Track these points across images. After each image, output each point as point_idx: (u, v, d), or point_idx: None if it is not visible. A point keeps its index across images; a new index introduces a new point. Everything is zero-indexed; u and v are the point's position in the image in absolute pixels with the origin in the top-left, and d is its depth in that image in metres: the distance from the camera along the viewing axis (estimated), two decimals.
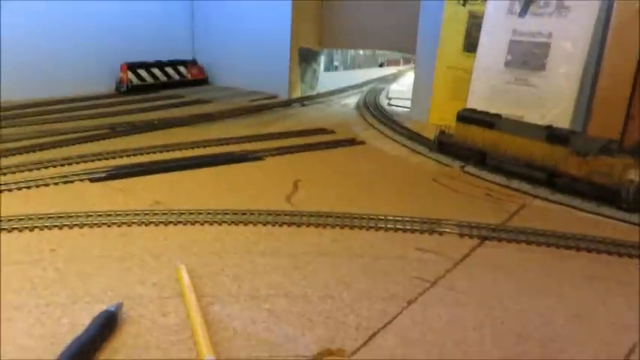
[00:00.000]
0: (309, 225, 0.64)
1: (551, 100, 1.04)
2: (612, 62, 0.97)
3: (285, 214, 0.66)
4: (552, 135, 0.79)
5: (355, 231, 0.64)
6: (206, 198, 0.72)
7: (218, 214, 0.65)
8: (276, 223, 0.64)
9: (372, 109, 1.42)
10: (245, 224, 0.63)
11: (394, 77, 2.26)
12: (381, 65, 2.67)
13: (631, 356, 0.41)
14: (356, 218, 0.66)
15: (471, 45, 1.17)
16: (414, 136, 1.11)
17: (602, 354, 0.41)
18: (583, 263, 0.58)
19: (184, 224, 0.62)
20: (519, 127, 0.84)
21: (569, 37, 1.00)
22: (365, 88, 1.86)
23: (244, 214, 0.65)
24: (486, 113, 0.91)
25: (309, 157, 0.96)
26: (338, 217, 0.66)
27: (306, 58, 1.59)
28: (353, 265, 0.55)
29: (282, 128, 1.16)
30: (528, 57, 1.06)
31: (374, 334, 0.43)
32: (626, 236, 0.64)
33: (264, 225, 0.63)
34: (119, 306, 0.43)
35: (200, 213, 0.64)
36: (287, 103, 1.48)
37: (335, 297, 0.48)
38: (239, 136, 1.05)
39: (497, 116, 0.89)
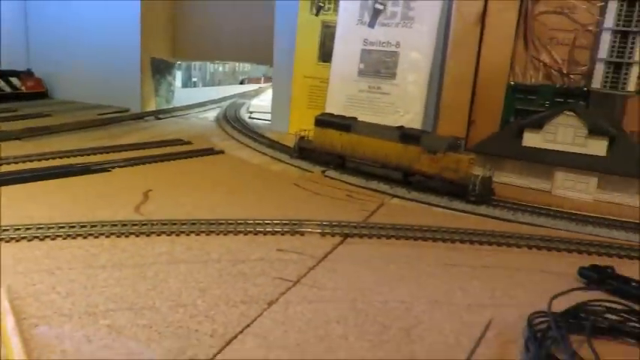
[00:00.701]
0: (160, 234, 0.58)
1: (403, 106, 1.09)
2: (453, 70, 1.04)
3: (133, 224, 0.59)
4: (405, 135, 0.82)
5: (212, 237, 0.59)
6: (35, 213, 0.63)
7: (51, 228, 0.56)
8: (122, 233, 0.57)
9: (232, 122, 1.38)
10: (84, 237, 0.56)
11: (255, 93, 2.25)
12: (242, 82, 2.64)
13: (487, 332, 0.42)
14: (213, 224, 0.61)
15: (325, 54, 1.19)
16: (275, 145, 1.09)
17: (461, 334, 0.41)
18: (439, 253, 0.59)
19: (7, 241, 0.53)
20: (374, 129, 0.86)
21: (415, 46, 1.06)
22: (225, 103, 1.82)
23: (83, 226, 0.57)
24: (342, 117, 0.92)
25: (162, 167, 0.90)
26: (193, 223, 0.61)
27: (159, 69, 1.51)
28: (209, 271, 0.50)
29: (133, 140, 1.08)
30: (380, 66, 1.10)
31: (231, 340, 0.39)
32: (475, 226, 0.67)
33: (108, 237, 0.56)
34: None
35: (28, 228, 0.55)
36: (140, 117, 1.38)
37: (188, 305, 0.43)
38: (83, 149, 0.95)
39: (353, 119, 0.90)
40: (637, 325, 0.42)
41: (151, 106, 1.50)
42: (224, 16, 1.49)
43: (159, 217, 0.63)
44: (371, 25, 1.10)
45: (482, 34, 1.00)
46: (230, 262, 0.53)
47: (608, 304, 0.43)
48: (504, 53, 1.00)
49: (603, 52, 0.88)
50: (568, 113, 0.83)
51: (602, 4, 0.91)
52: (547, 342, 0.38)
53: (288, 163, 0.97)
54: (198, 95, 1.87)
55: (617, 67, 0.88)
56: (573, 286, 0.49)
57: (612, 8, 0.87)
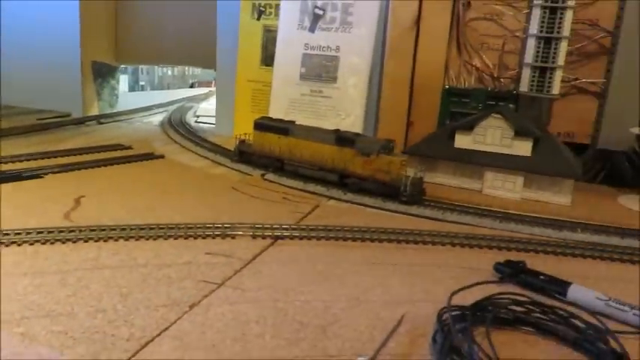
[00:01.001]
0: (87, 240, 0.58)
1: (344, 109, 1.10)
2: (391, 73, 1.07)
3: (60, 231, 0.58)
4: (340, 138, 0.84)
5: (141, 242, 0.59)
6: None
7: None
8: (47, 240, 0.56)
9: (177, 126, 1.37)
10: (7, 245, 0.55)
11: (205, 97, 2.23)
12: (192, 86, 2.62)
13: (400, 327, 0.43)
14: (143, 229, 0.61)
15: (268, 58, 1.19)
16: (217, 149, 1.09)
17: (375, 329, 0.43)
18: (366, 252, 0.61)
19: None
20: (311, 132, 0.87)
21: (355, 50, 1.08)
22: (172, 107, 1.80)
23: (7, 234, 0.56)
24: (281, 120, 0.93)
25: (98, 173, 0.89)
26: (122, 229, 0.60)
27: (102, 73, 1.49)
28: (133, 275, 0.50)
29: (71, 146, 1.06)
30: (321, 70, 1.12)
31: (147, 343, 0.39)
32: (405, 225, 0.69)
33: (32, 244, 0.56)
34: None
35: None
36: (81, 121, 1.36)
37: (107, 310, 0.43)
38: (17, 155, 0.93)
39: (291, 123, 0.92)
40: (540, 316, 0.45)
41: (94, 111, 1.47)
42: (167, 18, 1.48)
43: (89, 223, 0.62)
44: (311, 29, 1.12)
45: (417, 38, 1.03)
46: (156, 266, 0.53)
47: (514, 297, 0.46)
48: (439, 58, 1.03)
49: (529, 56, 0.93)
50: (495, 116, 0.87)
51: (528, 11, 0.95)
52: (452, 334, 0.40)
53: (228, 167, 0.97)
54: (145, 99, 1.84)
55: (542, 72, 0.93)
56: (488, 280, 0.52)
57: (536, 15, 0.91)
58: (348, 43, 1.09)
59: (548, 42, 0.91)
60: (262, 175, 0.91)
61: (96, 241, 0.58)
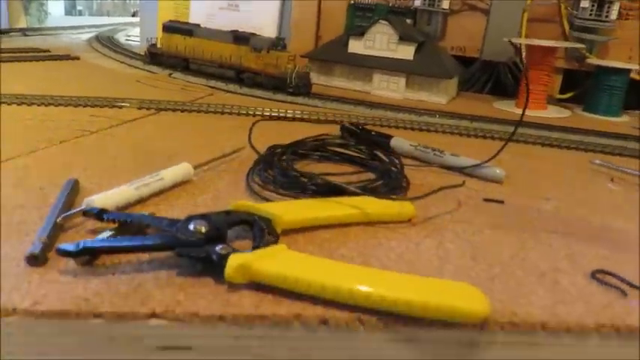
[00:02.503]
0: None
1: (259, 24, 1.17)
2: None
3: None
4: (237, 37, 0.91)
5: (33, 107, 0.66)
6: None
7: None
8: None
9: (103, 40, 1.41)
10: None
11: None
12: (133, 15, 2.60)
13: (232, 154, 0.53)
14: (37, 97, 0.68)
15: None
16: (134, 56, 1.15)
17: (212, 154, 0.52)
18: (234, 122, 0.69)
19: None
20: (212, 33, 0.94)
21: None
22: (105, 29, 1.82)
23: None
24: (186, 23, 0.99)
25: (8, 66, 0.94)
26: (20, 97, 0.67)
27: None
28: (18, 125, 0.58)
29: None
30: None
31: (8, 159, 0.47)
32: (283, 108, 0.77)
33: None
34: None
35: None
36: (4, 32, 1.38)
37: None
38: None
39: (196, 25, 0.98)
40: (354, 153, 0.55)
41: (21, 25, 1.49)
42: None
43: None
44: None
45: None
46: (41, 121, 0.60)
47: (338, 141, 0.56)
48: None
49: None
50: (383, 22, 0.96)
51: None
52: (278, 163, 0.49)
53: (140, 68, 1.03)
54: (80, 22, 1.85)
55: None
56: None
57: None
58: None
59: None
60: (170, 74, 0.98)
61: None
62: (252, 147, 0.53)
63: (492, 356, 0.29)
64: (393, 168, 0.51)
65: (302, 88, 0.87)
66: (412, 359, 0.29)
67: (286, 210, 0.37)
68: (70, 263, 0.30)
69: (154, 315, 0.27)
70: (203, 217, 0.33)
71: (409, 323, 0.28)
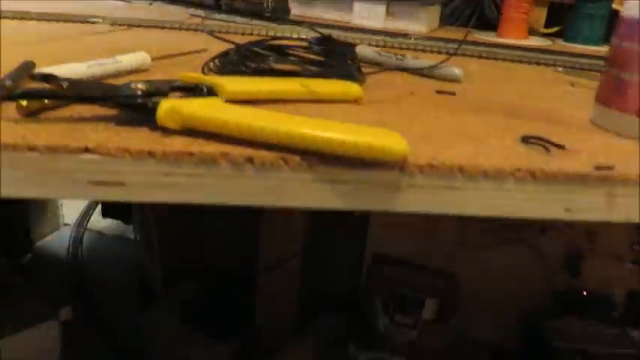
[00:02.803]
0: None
1: None
2: None
3: None
4: None
5: None
6: None
7: None
8: None
9: None
10: None
11: None
12: None
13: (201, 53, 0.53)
14: None
15: None
16: None
17: (179, 52, 0.53)
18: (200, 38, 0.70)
19: None
20: None
21: None
22: None
23: None
24: None
25: None
26: None
27: None
28: None
29: None
30: None
31: None
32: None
33: None
34: None
35: None
36: None
37: None
38: None
39: None
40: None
41: None
42: None
43: None
44: None
45: None
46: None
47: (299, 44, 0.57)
48: None
49: None
50: None
51: None
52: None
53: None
54: None
55: None
56: None
57: None
58: None
59: None
60: (149, 3, 0.98)
61: None
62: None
63: (412, 199, 0.31)
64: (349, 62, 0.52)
65: (279, 13, 0.87)
66: (335, 199, 0.30)
67: (232, 82, 0.38)
68: (14, 112, 0.32)
69: (87, 150, 0.28)
70: (146, 81, 0.35)
71: (333, 164, 0.30)
